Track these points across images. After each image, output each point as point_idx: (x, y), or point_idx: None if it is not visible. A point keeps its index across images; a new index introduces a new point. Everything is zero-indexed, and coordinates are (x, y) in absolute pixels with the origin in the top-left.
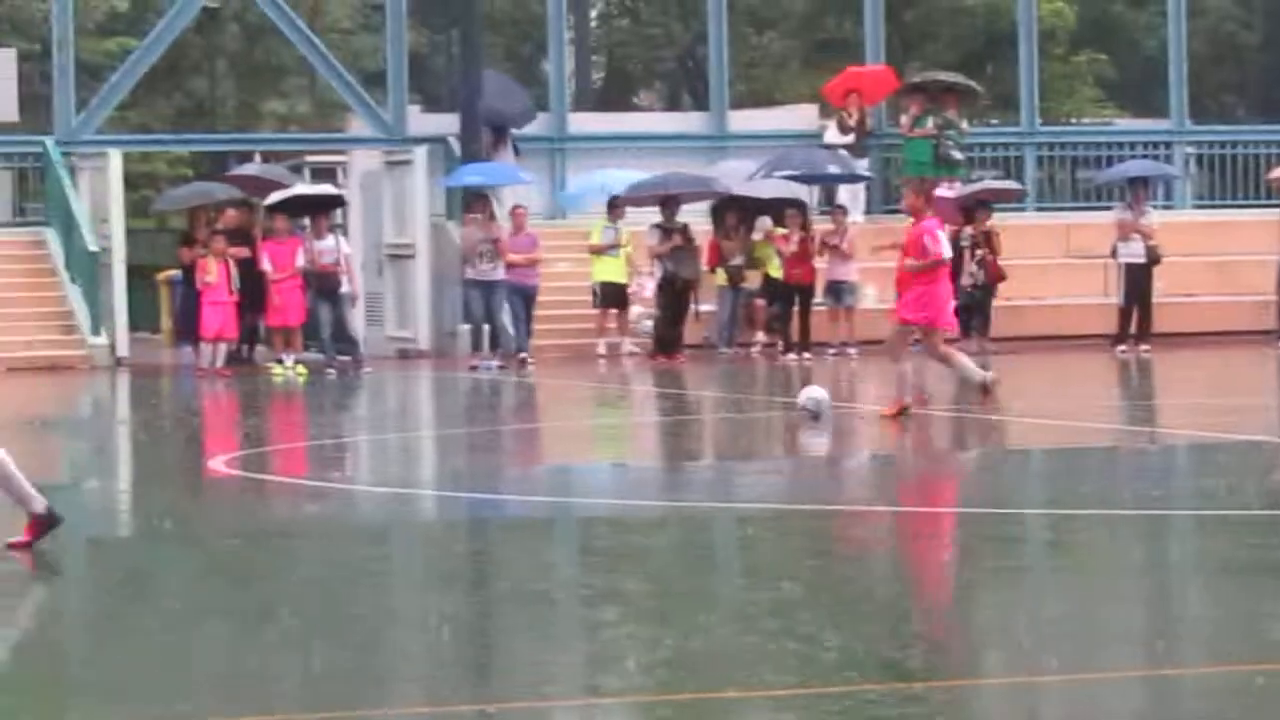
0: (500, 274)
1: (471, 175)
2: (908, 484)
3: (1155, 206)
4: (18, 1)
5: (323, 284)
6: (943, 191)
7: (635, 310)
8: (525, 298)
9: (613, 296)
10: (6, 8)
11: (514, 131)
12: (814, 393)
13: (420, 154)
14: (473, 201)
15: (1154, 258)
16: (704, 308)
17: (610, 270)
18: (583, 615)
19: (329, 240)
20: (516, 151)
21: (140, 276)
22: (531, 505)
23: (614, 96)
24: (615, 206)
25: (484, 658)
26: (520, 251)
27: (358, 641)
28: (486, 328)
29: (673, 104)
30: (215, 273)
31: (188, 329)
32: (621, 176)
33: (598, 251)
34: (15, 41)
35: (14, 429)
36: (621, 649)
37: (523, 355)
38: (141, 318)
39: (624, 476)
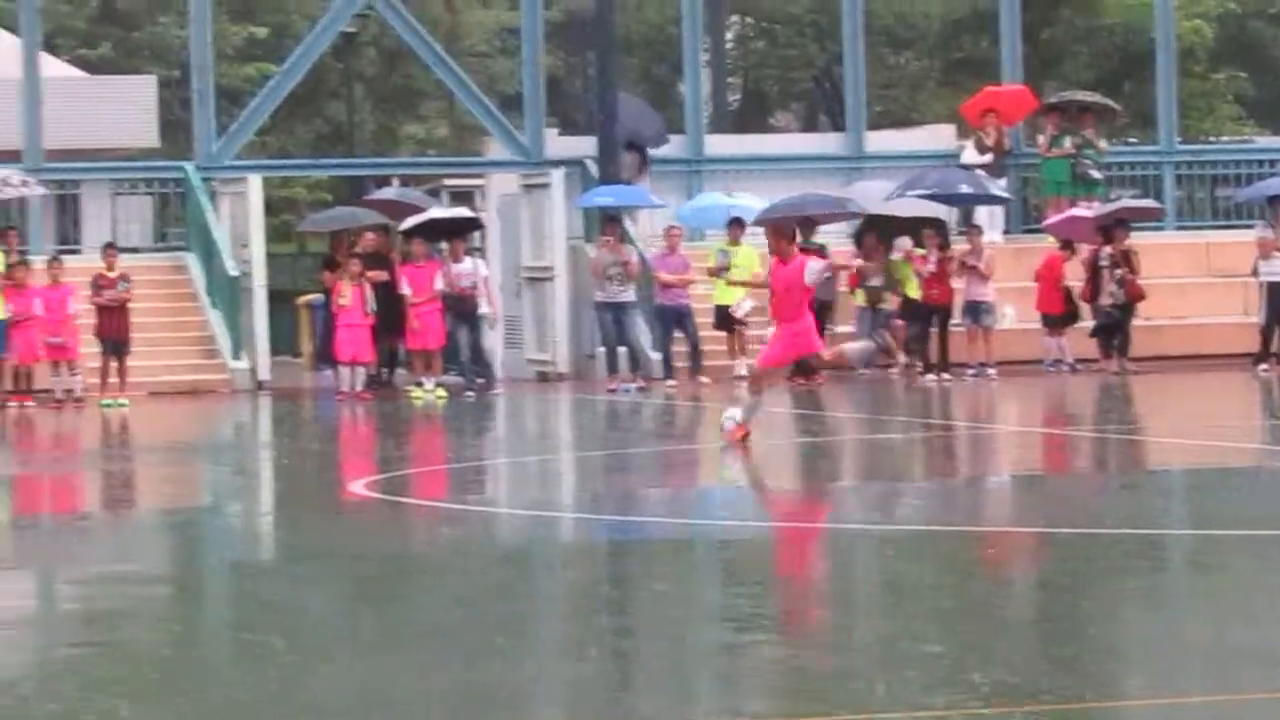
0: (631, 295)
1: (602, 197)
2: (1049, 504)
3: None
4: (157, 29)
5: (460, 307)
6: (1081, 211)
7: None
8: (679, 318)
9: (723, 319)
10: (146, 35)
11: (649, 153)
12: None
13: (557, 176)
14: (605, 224)
15: None
16: (841, 329)
17: (723, 293)
18: (722, 637)
19: (466, 263)
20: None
21: (280, 301)
22: (670, 528)
23: (750, 118)
24: (731, 228)
25: (625, 680)
26: (673, 272)
27: (498, 665)
28: (623, 350)
29: (809, 125)
30: (349, 296)
31: (328, 352)
32: (730, 201)
33: (713, 274)
34: (155, 68)
35: (157, 453)
36: (761, 670)
37: (670, 379)
38: (282, 342)
39: (761, 499)
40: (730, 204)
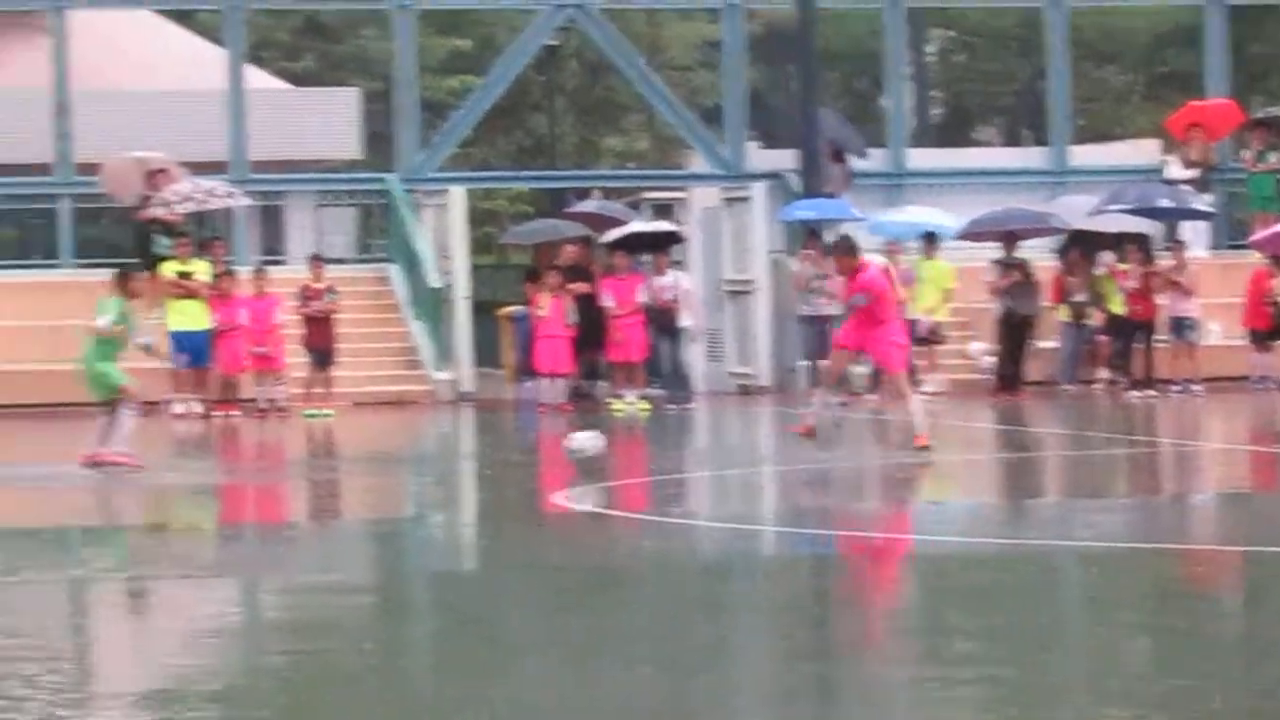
0: (834, 309)
1: (802, 210)
2: (1256, 522)
3: None
4: (361, 41)
5: (663, 320)
6: None
7: (975, 346)
8: None
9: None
10: (350, 48)
11: (850, 165)
12: (583, 440)
13: (759, 190)
14: (807, 237)
15: None
16: (1043, 344)
17: (913, 307)
18: (922, 652)
19: (669, 276)
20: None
21: (482, 312)
22: (868, 542)
23: (953, 132)
24: (925, 242)
25: (824, 693)
26: None
27: (698, 678)
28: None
29: (1012, 139)
30: (548, 307)
31: (529, 364)
32: (898, 218)
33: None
34: (360, 81)
35: (361, 463)
36: (966, 686)
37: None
38: (484, 353)
39: (961, 513)
40: (902, 221)
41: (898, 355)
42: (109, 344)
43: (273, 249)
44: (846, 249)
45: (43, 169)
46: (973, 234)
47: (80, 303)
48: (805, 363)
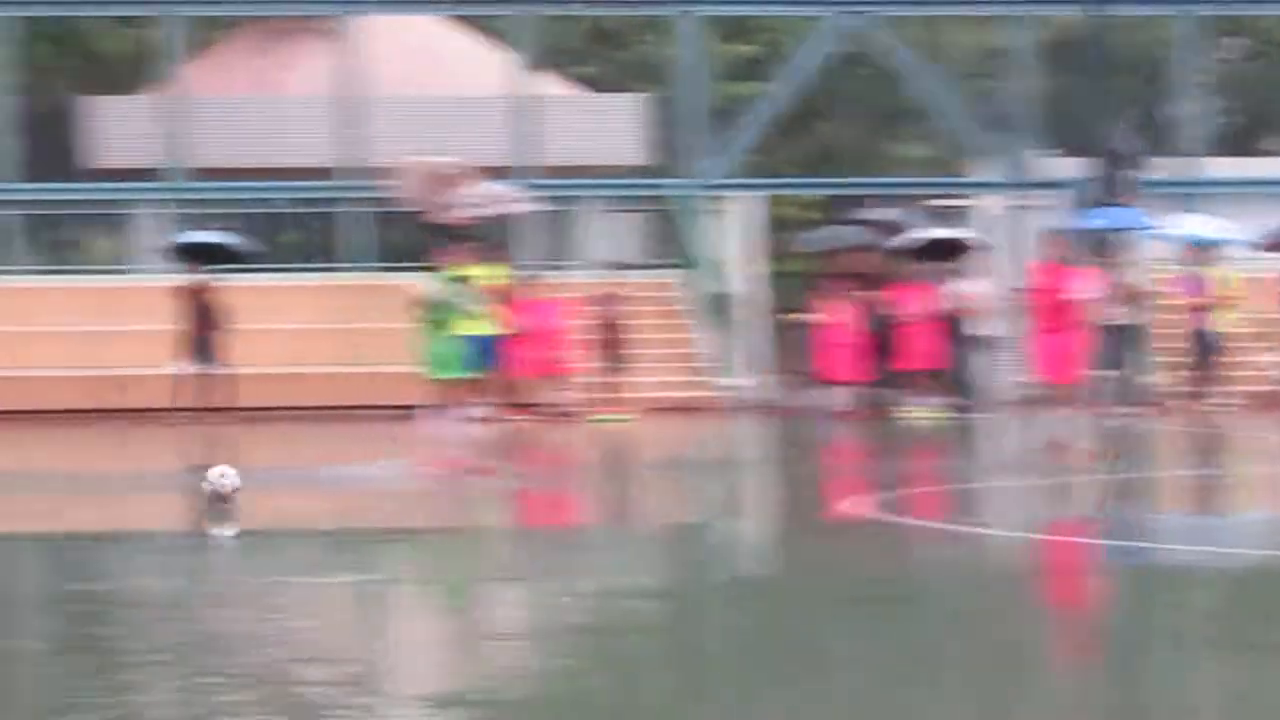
0: (1130, 319)
1: (1095, 219)
2: None
3: None
4: (647, 47)
5: (955, 328)
6: None
7: (1269, 358)
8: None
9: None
10: (636, 54)
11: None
12: (216, 475)
13: (1047, 198)
14: (1097, 246)
15: None
16: None
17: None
18: (1225, 668)
19: (962, 284)
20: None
21: (771, 319)
22: (1162, 554)
23: (1245, 141)
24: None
25: (1128, 707)
26: (1192, 295)
27: (993, 690)
28: (1116, 373)
29: None
30: (839, 315)
31: (819, 371)
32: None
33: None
34: (647, 87)
35: (650, 469)
36: (1261, 696)
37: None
38: (773, 360)
39: (1254, 526)
40: (1177, 232)
41: (1060, 367)
42: (443, 328)
43: (561, 254)
44: (1066, 243)
45: (332, 173)
46: (1270, 244)
47: (369, 306)
48: (1108, 372)
